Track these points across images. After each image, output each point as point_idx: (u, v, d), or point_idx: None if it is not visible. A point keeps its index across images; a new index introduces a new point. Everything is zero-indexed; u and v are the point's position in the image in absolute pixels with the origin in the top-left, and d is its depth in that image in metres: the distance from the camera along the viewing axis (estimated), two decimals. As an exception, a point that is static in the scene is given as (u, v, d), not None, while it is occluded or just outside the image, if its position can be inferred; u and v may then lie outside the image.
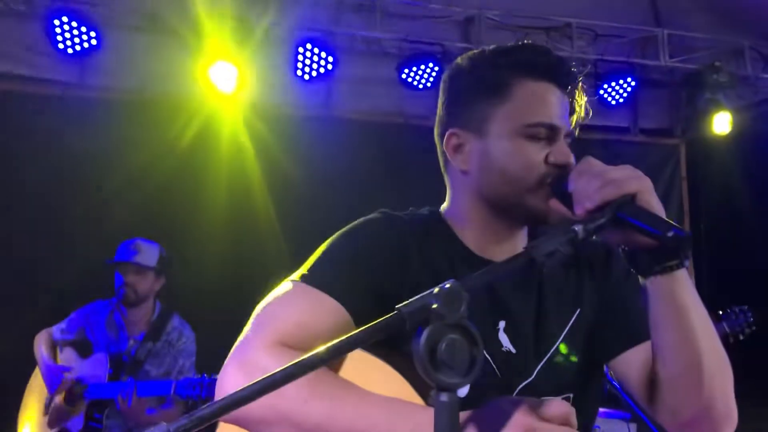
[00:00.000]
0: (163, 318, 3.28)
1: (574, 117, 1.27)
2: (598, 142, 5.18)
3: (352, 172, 4.44)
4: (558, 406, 0.97)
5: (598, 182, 1.05)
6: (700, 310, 1.14)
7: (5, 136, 3.97)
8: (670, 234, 0.96)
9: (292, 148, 4.37)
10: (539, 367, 1.24)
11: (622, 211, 1.00)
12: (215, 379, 2.78)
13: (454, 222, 1.30)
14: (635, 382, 1.24)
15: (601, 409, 3.46)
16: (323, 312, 1.12)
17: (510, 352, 1.22)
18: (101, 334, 3.24)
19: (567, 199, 1.11)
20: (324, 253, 1.21)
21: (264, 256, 4.15)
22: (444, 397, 0.79)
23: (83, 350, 3.19)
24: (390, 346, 1.08)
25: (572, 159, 1.20)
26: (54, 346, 3.26)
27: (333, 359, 0.86)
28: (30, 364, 3.28)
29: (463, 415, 0.99)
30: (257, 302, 1.16)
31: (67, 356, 3.21)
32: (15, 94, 4.07)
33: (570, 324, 1.28)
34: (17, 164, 3.96)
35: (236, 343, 1.11)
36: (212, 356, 3.26)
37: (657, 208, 1.04)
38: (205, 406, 0.77)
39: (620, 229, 1.04)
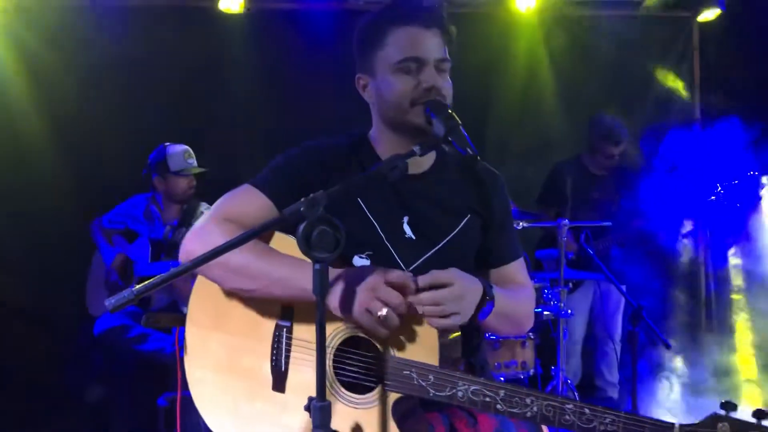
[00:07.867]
0: (192, 205, 3.77)
1: (452, 46, 1.60)
2: (605, 18, 5.18)
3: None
4: (400, 274, 1.37)
5: None
6: (516, 307, 1.63)
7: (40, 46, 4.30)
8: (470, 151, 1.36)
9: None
10: (431, 252, 1.63)
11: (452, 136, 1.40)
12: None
13: (374, 142, 1.70)
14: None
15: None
16: (258, 204, 1.61)
17: (411, 238, 1.62)
18: (141, 225, 3.77)
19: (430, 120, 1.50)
20: (269, 165, 1.67)
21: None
22: (317, 266, 1.21)
23: (129, 237, 3.78)
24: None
25: (438, 81, 1.55)
26: (106, 232, 3.83)
27: (258, 235, 1.31)
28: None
29: (336, 272, 1.41)
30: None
31: (116, 241, 3.80)
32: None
33: (460, 226, 1.66)
34: (52, 72, 4.29)
35: (198, 221, 1.61)
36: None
37: None
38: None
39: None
